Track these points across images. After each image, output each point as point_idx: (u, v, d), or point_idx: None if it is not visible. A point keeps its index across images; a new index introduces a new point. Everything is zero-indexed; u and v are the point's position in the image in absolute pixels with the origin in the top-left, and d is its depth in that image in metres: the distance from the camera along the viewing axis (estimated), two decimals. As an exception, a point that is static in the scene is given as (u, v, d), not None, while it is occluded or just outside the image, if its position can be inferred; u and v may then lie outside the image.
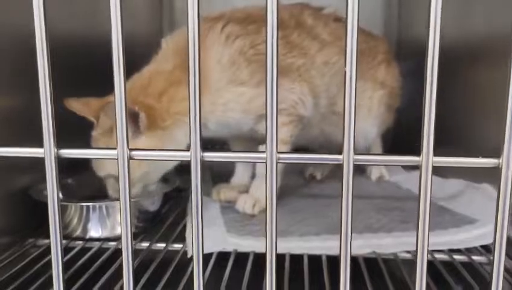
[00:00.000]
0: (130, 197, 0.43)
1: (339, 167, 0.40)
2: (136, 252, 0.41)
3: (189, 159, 0.41)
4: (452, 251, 0.69)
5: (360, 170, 1.14)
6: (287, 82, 0.84)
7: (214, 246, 0.69)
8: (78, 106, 0.78)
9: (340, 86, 0.95)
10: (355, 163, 0.40)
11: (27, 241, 0.75)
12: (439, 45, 0.35)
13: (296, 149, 0.92)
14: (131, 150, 0.42)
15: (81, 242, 0.74)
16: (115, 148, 0.42)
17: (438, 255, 0.68)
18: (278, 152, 0.40)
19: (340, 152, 0.40)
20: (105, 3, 0.37)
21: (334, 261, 0.67)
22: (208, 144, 1.06)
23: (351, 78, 0.38)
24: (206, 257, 0.66)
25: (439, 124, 0.37)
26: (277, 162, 0.40)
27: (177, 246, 0.72)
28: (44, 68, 0.40)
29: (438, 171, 0.41)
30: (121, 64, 0.40)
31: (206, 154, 0.42)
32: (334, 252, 0.69)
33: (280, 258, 0.68)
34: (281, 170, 0.89)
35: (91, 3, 1.01)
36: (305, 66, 0.86)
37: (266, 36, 0.37)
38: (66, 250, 0.69)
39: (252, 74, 0.82)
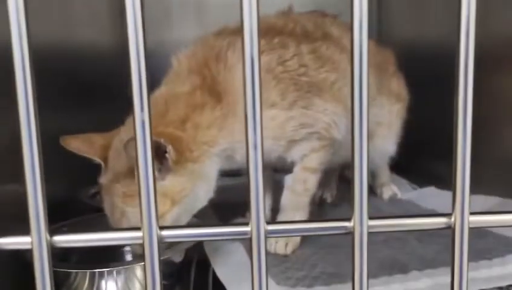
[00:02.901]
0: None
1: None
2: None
3: (248, 236, 0.32)
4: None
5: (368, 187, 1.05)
6: (320, 102, 0.74)
7: None
8: (78, 144, 0.67)
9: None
10: (471, 226, 0.31)
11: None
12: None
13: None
14: (161, 228, 0.31)
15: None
16: (138, 229, 0.31)
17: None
18: (369, 219, 0.31)
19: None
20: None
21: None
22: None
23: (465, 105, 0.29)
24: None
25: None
26: (368, 233, 0.31)
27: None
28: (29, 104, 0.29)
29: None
30: (144, 89, 0.29)
31: (270, 227, 0.32)
32: None
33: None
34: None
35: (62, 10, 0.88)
36: (338, 83, 0.76)
37: (352, 53, 0.30)
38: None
39: (283, 94, 0.71)
